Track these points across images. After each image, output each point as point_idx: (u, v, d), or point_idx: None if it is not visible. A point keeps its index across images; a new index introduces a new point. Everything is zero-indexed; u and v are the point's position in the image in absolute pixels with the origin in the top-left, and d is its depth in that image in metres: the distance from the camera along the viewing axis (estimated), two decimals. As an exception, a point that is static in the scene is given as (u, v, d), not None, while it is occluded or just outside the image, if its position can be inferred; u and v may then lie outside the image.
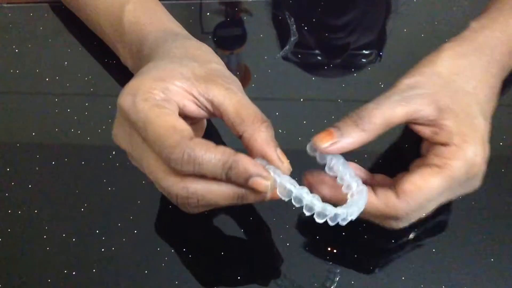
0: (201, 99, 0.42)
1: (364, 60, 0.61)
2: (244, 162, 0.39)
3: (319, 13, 0.64)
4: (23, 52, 0.62)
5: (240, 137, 0.42)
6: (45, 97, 0.59)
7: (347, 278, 0.47)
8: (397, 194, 0.41)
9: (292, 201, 0.41)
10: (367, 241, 0.49)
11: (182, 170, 0.39)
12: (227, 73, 0.44)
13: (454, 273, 0.47)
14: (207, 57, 0.45)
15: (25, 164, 0.54)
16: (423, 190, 0.41)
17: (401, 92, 0.43)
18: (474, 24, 0.49)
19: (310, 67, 0.60)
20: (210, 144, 0.39)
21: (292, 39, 0.61)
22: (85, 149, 0.55)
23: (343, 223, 0.41)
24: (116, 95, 0.58)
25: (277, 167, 0.41)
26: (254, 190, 0.40)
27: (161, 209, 0.51)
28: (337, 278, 0.47)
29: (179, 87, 0.41)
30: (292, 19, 0.62)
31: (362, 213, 0.42)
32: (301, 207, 0.41)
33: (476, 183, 0.44)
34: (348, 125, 0.42)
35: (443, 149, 0.42)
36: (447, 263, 0.48)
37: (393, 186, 0.42)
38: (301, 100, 0.57)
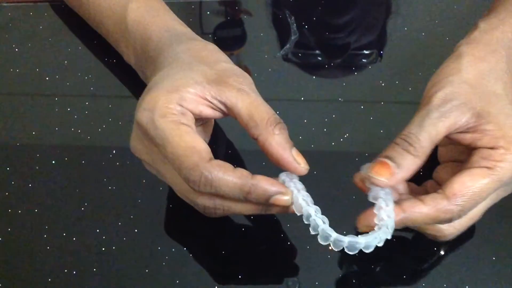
0: (215, 102, 0.43)
1: (364, 60, 0.61)
2: (263, 184, 0.40)
3: (320, 12, 0.64)
4: (23, 51, 0.62)
5: (255, 139, 0.42)
6: (45, 96, 0.59)
7: (348, 277, 0.47)
8: (446, 196, 0.41)
9: (303, 217, 0.41)
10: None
11: (200, 191, 0.40)
12: (238, 70, 0.45)
13: (455, 272, 0.47)
14: (214, 57, 0.46)
15: (25, 164, 0.54)
16: (473, 190, 0.41)
17: (439, 108, 0.42)
18: (482, 25, 0.48)
19: (311, 67, 0.60)
20: (228, 167, 0.40)
21: (292, 37, 0.61)
22: (85, 149, 0.55)
23: (349, 252, 0.40)
24: (117, 95, 0.59)
25: (294, 169, 0.41)
26: (276, 206, 0.41)
27: (161, 208, 0.51)
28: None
29: (193, 94, 0.42)
30: (293, 18, 0.62)
31: (414, 225, 0.42)
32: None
33: None
34: (401, 154, 0.41)
35: (491, 151, 0.41)
36: (448, 262, 0.48)
37: (439, 190, 0.41)
38: (302, 100, 0.57)
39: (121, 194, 0.52)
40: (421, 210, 0.41)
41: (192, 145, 0.40)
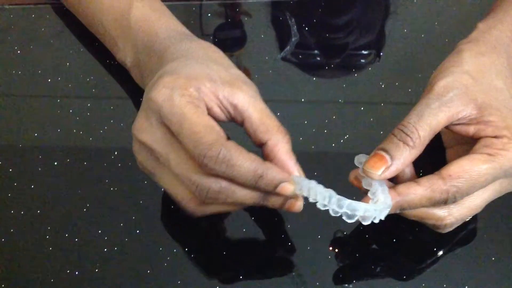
0: (225, 102, 0.43)
1: (363, 60, 0.61)
2: (274, 170, 0.41)
3: (319, 13, 0.64)
4: (24, 53, 0.62)
5: (260, 145, 0.43)
6: (47, 98, 0.59)
7: (348, 277, 0.47)
8: (442, 177, 0.41)
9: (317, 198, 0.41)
10: (368, 240, 0.49)
11: (213, 169, 0.40)
12: (248, 80, 0.45)
13: (455, 272, 0.48)
14: (226, 61, 0.46)
15: (27, 165, 0.54)
16: (470, 174, 0.41)
17: (440, 97, 0.43)
18: (481, 26, 0.49)
19: (310, 68, 0.61)
20: (244, 149, 0.41)
21: (293, 39, 0.61)
22: (87, 150, 0.55)
23: (348, 218, 0.41)
24: (118, 97, 0.59)
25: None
26: (279, 195, 0.42)
27: (163, 209, 0.51)
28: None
29: (208, 88, 0.42)
30: (293, 20, 0.62)
31: (410, 208, 0.42)
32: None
33: None
34: (396, 145, 0.41)
35: (493, 140, 0.42)
36: (448, 262, 0.48)
37: (436, 172, 0.42)
38: (302, 101, 0.58)
39: (123, 195, 0.52)
40: (416, 192, 0.41)
41: (211, 124, 0.41)
